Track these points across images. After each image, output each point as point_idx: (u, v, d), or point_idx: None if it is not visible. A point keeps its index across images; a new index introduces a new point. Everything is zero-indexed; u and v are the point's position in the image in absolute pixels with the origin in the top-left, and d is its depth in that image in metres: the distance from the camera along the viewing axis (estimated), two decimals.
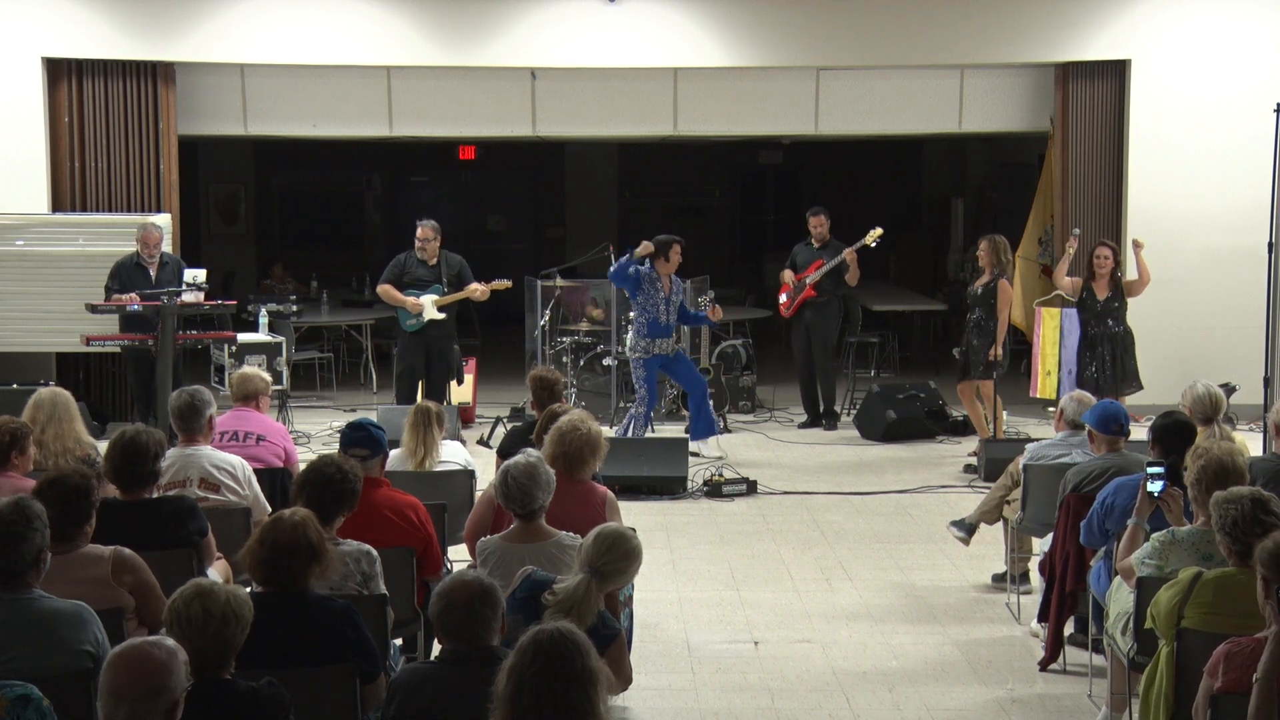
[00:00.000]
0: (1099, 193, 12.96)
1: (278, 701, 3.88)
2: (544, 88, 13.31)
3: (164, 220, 12.13)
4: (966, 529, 8.13)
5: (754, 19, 12.83)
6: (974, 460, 10.81)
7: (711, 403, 11.82)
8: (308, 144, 16.02)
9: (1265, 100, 11.28)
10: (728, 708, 6.29)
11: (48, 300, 12.09)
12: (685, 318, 11.58)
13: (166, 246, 11.76)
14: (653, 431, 11.52)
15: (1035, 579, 7.37)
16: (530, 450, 5.76)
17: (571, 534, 5.39)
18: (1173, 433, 6.20)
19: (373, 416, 8.70)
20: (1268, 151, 10.82)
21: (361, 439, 6.01)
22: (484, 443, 11.55)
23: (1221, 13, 12.80)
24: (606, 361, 12.89)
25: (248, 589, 4.36)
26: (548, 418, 6.71)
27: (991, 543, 8.25)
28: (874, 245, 12.24)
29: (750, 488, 10.31)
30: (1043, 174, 13.57)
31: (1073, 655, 6.70)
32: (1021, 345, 13.22)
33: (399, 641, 5.75)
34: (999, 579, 8.00)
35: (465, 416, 12.40)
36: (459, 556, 6.59)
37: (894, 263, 20.06)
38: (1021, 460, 7.56)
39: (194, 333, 11.10)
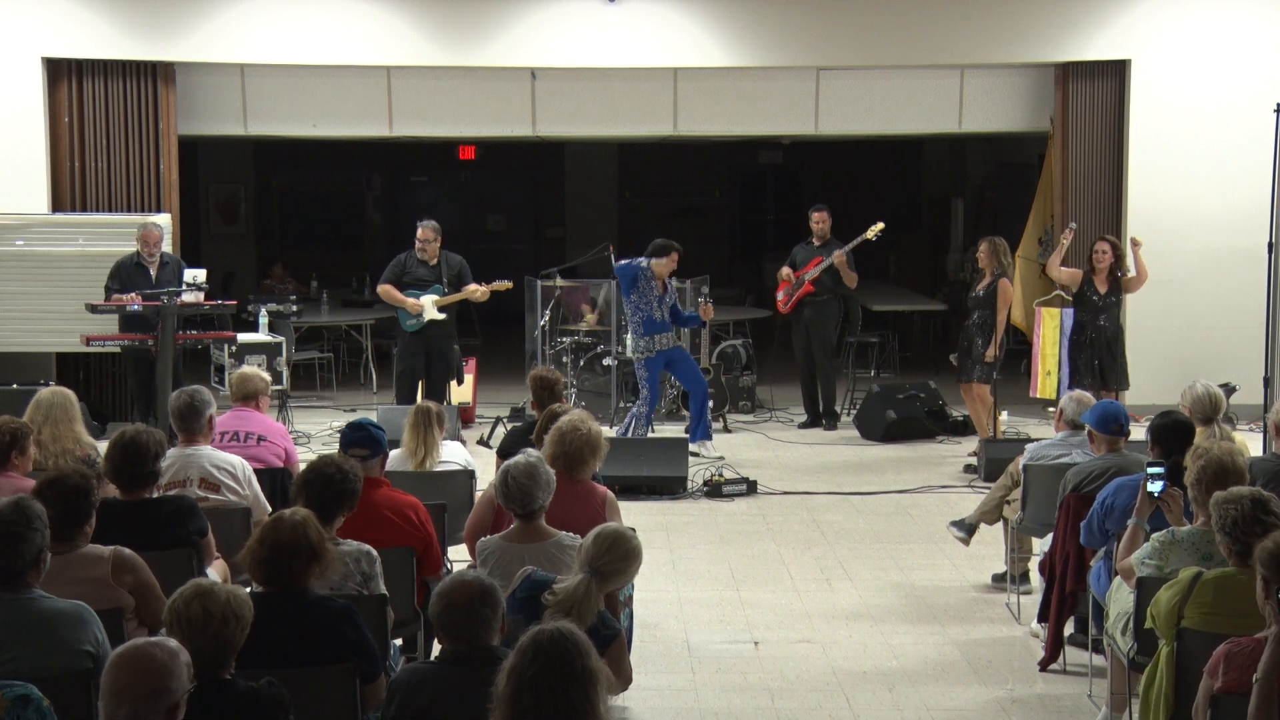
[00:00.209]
0: (1099, 193, 12.96)
1: (278, 701, 3.88)
2: (544, 88, 13.31)
3: (164, 220, 12.13)
4: (966, 529, 8.13)
5: (754, 19, 12.83)
6: (974, 460, 10.81)
7: (711, 403, 11.84)
8: (308, 144, 16.01)
9: (1265, 100, 11.28)
10: (728, 708, 6.29)
11: (48, 300, 12.09)
12: (678, 318, 11.60)
13: (166, 246, 11.76)
14: (653, 431, 11.53)
15: (1035, 579, 7.37)
16: (530, 450, 5.76)
17: (571, 534, 5.39)
18: (1172, 433, 6.20)
19: (373, 416, 8.69)
20: (1268, 151, 10.82)
21: (361, 439, 6.01)
22: (484, 443, 11.55)
23: (1221, 13, 12.80)
24: (606, 361, 12.90)
25: (248, 589, 4.36)
26: (548, 418, 6.71)
27: (991, 543, 8.25)
28: (874, 239, 12.26)
29: (750, 488, 10.31)
30: (1043, 174, 13.58)
31: (1073, 655, 6.70)
32: (1021, 345, 13.23)
33: (399, 641, 5.75)
34: (999, 579, 8.00)
35: (465, 416, 12.40)
36: (459, 556, 6.59)
37: (894, 263, 20.07)
38: (1021, 460, 7.56)
39: (194, 333, 11.09)
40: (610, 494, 6.17)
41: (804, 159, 21.10)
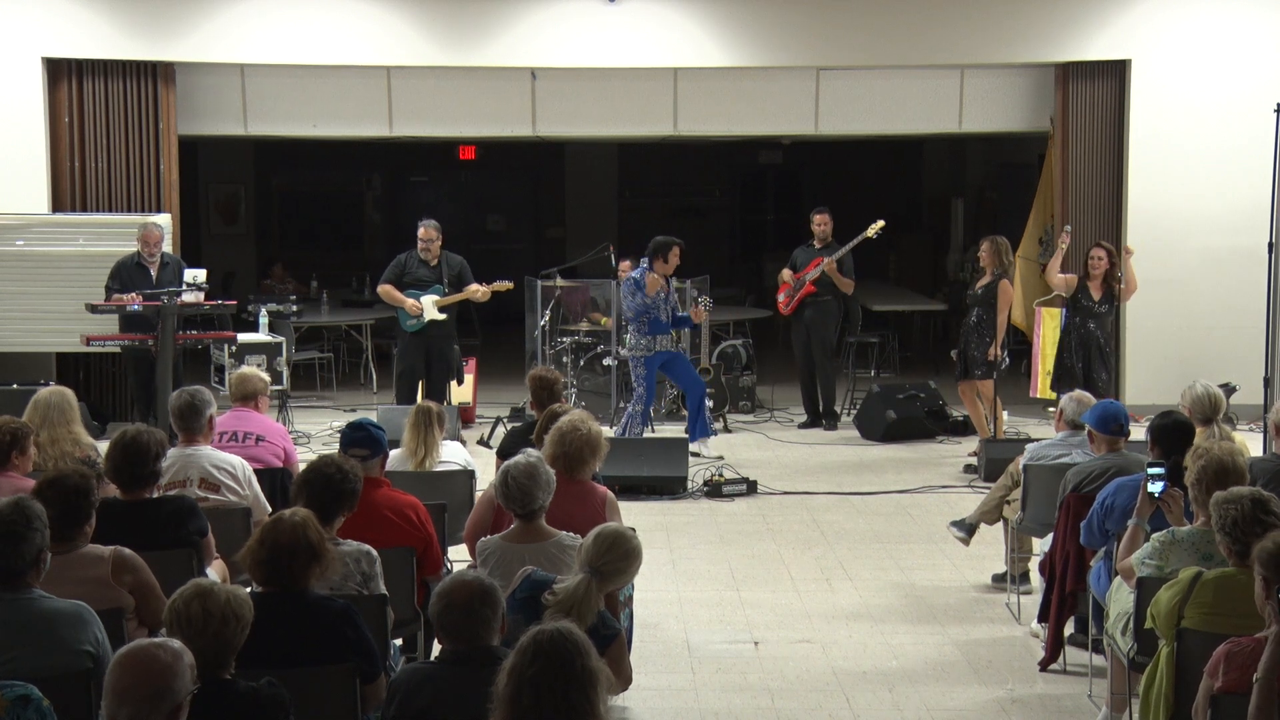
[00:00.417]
0: (1099, 193, 12.96)
1: (278, 701, 3.88)
2: (544, 88, 13.31)
3: (164, 220, 12.13)
4: (966, 529, 8.13)
5: (754, 19, 12.83)
6: (974, 460, 10.81)
7: (711, 403, 11.84)
8: (308, 144, 16.01)
9: (1265, 100, 11.27)
10: (728, 708, 6.29)
11: (48, 300, 12.09)
12: (673, 320, 11.60)
13: (167, 246, 11.76)
14: (652, 431, 11.53)
15: (1035, 579, 7.37)
16: (530, 450, 5.76)
17: (571, 534, 5.39)
18: (1172, 433, 6.20)
19: (373, 416, 8.70)
20: (1268, 151, 10.81)
21: (361, 439, 6.01)
22: (484, 443, 11.55)
23: (1221, 13, 12.80)
24: (606, 361, 12.90)
25: (248, 589, 4.36)
26: (548, 418, 6.71)
27: (991, 543, 8.25)
28: (875, 236, 12.27)
29: (750, 488, 10.31)
30: (1043, 174, 13.58)
31: (1073, 655, 6.70)
32: (1022, 345, 13.23)
33: (399, 641, 5.75)
34: (999, 579, 8.00)
35: (465, 417, 12.40)
36: (459, 556, 6.59)
37: (894, 263, 20.06)
38: (1021, 460, 7.56)
39: (194, 333, 11.10)
40: (610, 494, 6.17)
41: (804, 159, 21.10)
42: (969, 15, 12.86)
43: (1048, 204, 13.34)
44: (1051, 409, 10.07)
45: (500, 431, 11.24)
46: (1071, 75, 12.87)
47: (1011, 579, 7.71)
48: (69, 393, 7.16)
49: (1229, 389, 10.40)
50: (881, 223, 12.32)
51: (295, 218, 21.36)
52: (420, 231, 11.67)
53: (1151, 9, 12.82)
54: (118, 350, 12.01)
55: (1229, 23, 12.79)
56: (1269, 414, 7.18)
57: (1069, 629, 6.75)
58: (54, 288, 12.07)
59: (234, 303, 11.60)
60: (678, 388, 12.31)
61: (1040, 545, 7.27)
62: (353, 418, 6.81)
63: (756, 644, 7.11)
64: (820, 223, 12.59)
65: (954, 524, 8.23)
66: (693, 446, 10.97)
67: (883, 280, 18.63)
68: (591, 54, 12.80)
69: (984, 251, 11.14)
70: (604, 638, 4.46)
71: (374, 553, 5.24)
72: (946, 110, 13.49)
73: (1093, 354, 10.96)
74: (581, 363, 13.09)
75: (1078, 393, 7.73)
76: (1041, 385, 11.51)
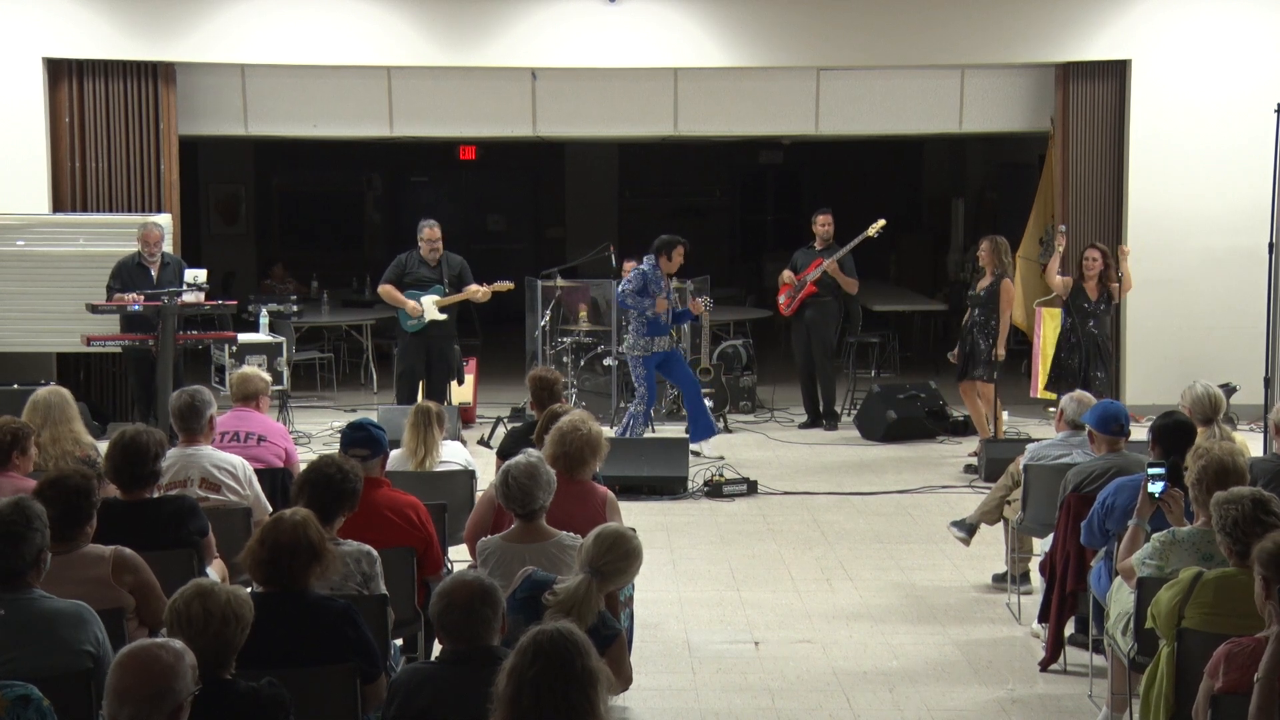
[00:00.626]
0: (1099, 193, 12.97)
1: (278, 701, 3.88)
2: (544, 88, 13.32)
3: (164, 220, 12.14)
4: (967, 529, 8.13)
5: (754, 19, 12.83)
6: (974, 460, 10.81)
7: (711, 403, 11.84)
8: (308, 144, 16.02)
9: (1265, 100, 11.28)
10: (728, 708, 6.29)
11: (48, 300, 12.10)
12: (675, 317, 11.63)
13: (167, 246, 11.76)
14: (652, 431, 11.53)
15: (1036, 579, 7.37)
16: (531, 450, 5.76)
17: (572, 534, 5.39)
18: (1172, 433, 6.20)
19: (373, 416, 8.69)
20: (1268, 151, 10.82)
21: (362, 439, 6.01)
22: (484, 443, 11.54)
23: (1221, 13, 12.80)
24: (606, 361, 12.90)
25: (248, 589, 4.36)
26: (548, 418, 6.71)
27: (992, 543, 8.25)
28: (876, 235, 12.27)
29: (750, 488, 10.31)
30: (1043, 174, 13.58)
31: (1073, 655, 6.70)
32: (1022, 345, 13.23)
33: (399, 641, 5.75)
34: (999, 579, 7.99)
35: (465, 417, 12.40)
36: (459, 556, 6.59)
37: (894, 263, 20.07)
38: (1022, 460, 7.56)
39: (194, 333, 11.10)
40: (610, 494, 6.17)
41: (804, 159, 21.10)
42: (969, 15, 12.86)
43: (1048, 204, 13.34)
44: (1051, 409, 10.07)
45: (500, 432, 11.23)
46: (1072, 75, 12.87)
47: (1012, 579, 7.71)
48: (66, 392, 7.16)
49: (1229, 389, 10.40)
50: (883, 221, 12.33)
51: (295, 218, 21.36)
52: (426, 232, 11.64)
53: (1151, 9, 12.82)
54: (118, 350, 12.02)
55: (1229, 23, 12.79)
56: (1269, 414, 7.19)
57: (1069, 629, 6.75)
58: (54, 288, 12.08)
59: (234, 303, 11.60)
60: (675, 387, 12.31)
61: (1040, 545, 7.27)
62: (353, 418, 6.81)
63: (757, 644, 7.11)
64: (823, 224, 12.59)
65: (954, 524, 8.23)
66: (693, 446, 10.97)
67: (883, 280, 18.63)
68: (591, 54, 12.80)
69: (983, 251, 11.14)
70: (604, 638, 4.46)
71: (374, 553, 5.24)
72: (947, 110, 13.50)
73: (1092, 354, 10.96)
74: (582, 363, 13.09)
75: (1078, 393, 7.73)
76: (1041, 385, 11.49)
